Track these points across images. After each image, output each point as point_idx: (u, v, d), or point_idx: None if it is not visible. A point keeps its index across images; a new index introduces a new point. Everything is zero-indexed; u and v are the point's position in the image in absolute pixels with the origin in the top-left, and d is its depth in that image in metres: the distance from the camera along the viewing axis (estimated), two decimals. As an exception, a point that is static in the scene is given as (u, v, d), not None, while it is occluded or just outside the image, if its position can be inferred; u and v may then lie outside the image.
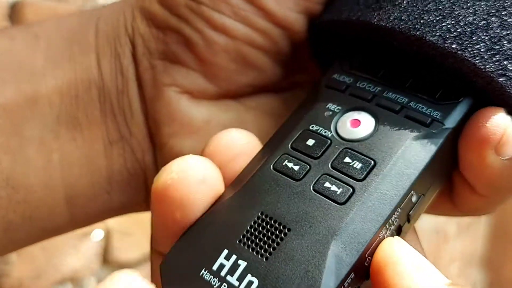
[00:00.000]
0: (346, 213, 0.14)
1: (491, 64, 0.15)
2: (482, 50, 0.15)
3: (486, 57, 0.15)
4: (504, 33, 0.15)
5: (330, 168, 0.15)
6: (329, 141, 0.15)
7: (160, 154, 0.18)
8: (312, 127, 0.15)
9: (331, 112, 0.16)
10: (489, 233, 1.89)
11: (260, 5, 0.16)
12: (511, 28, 0.15)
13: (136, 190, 0.19)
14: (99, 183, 0.18)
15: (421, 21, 0.15)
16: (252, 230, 0.14)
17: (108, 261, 0.50)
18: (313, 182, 0.14)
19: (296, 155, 0.15)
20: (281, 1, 0.16)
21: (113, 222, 0.49)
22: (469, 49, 0.15)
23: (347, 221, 0.13)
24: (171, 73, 0.17)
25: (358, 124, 0.15)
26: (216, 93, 0.18)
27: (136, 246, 0.52)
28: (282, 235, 0.14)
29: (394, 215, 0.14)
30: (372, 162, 0.14)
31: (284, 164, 0.15)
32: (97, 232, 0.48)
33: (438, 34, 0.15)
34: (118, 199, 0.19)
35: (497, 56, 0.15)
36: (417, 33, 0.15)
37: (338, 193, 0.14)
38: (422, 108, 0.15)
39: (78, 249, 0.47)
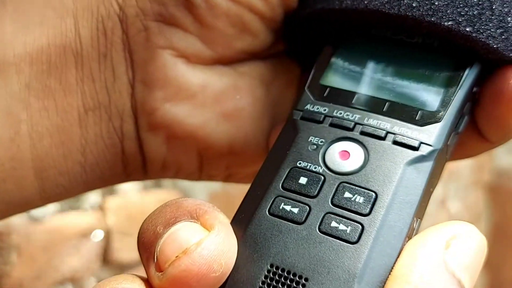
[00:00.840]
0: (361, 252, 0.13)
1: (501, 44, 0.15)
2: (492, 30, 0.15)
3: (496, 36, 0.15)
4: (506, 10, 0.15)
5: (331, 206, 0.14)
6: (322, 177, 0.15)
7: (148, 120, 0.17)
8: (300, 163, 0.15)
9: (315, 146, 0.15)
10: (489, 234, 1.89)
11: None
12: (510, 4, 0.15)
13: (112, 162, 0.18)
14: (71, 154, 0.17)
15: (432, 6, 0.15)
16: (266, 286, 0.13)
17: (108, 262, 0.50)
18: (318, 224, 0.14)
19: (291, 196, 0.14)
20: None
21: (113, 223, 0.49)
22: (482, 31, 0.15)
23: (365, 260, 0.13)
24: (167, 35, 0.17)
25: (347, 156, 0.15)
26: (212, 58, 0.17)
27: (135, 247, 0.52)
28: (301, 286, 0.13)
29: (404, 245, 0.14)
30: (374, 194, 0.14)
31: (281, 207, 0.14)
32: (97, 233, 0.48)
33: (452, 18, 0.15)
34: (93, 172, 0.18)
35: (505, 34, 0.15)
36: (432, 19, 0.15)
37: (347, 232, 0.13)
38: (407, 132, 0.15)
39: (78, 249, 0.47)
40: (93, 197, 0.48)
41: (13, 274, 0.42)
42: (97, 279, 0.49)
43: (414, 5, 0.15)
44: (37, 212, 0.43)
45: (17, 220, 0.42)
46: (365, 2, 0.16)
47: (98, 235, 0.48)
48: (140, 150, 0.18)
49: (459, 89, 0.16)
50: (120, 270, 0.52)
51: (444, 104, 0.15)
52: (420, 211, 0.15)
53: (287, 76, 0.19)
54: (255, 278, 0.13)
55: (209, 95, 0.17)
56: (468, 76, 0.16)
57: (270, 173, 0.15)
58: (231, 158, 0.18)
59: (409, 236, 0.14)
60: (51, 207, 0.45)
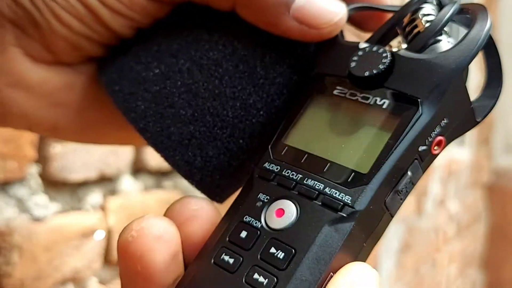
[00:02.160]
0: None
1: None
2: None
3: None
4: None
5: (259, 259, 0.16)
6: (258, 232, 0.16)
7: None
8: (246, 218, 0.17)
9: (261, 202, 0.17)
10: (488, 234, 1.89)
11: (97, 15, 0.20)
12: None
13: None
14: None
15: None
16: None
17: (109, 261, 0.51)
18: (245, 274, 0.16)
19: (231, 247, 0.16)
20: (115, 17, 0.20)
21: (114, 223, 0.50)
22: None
23: None
24: (17, 37, 0.20)
25: (282, 214, 0.16)
26: (54, 61, 0.20)
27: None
28: None
29: None
30: (293, 251, 0.16)
31: (221, 258, 0.16)
32: (98, 233, 0.48)
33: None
34: None
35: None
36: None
37: (264, 284, 0.15)
38: (336, 193, 0.16)
39: (80, 249, 0.47)
40: (94, 197, 0.49)
41: (15, 274, 0.42)
42: (99, 279, 0.50)
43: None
44: (38, 212, 0.44)
45: (19, 220, 0.42)
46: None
47: (99, 235, 0.48)
48: None
49: (394, 150, 0.16)
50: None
51: (376, 166, 0.16)
52: (339, 266, 0.16)
53: None
54: None
55: (45, 89, 0.21)
56: (406, 139, 0.17)
57: (223, 225, 0.17)
58: (54, 131, 0.22)
59: None
60: (53, 208, 0.45)
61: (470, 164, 1.68)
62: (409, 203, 1.21)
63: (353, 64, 0.18)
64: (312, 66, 0.20)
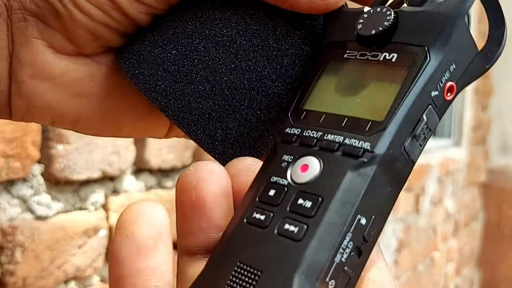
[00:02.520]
0: (303, 248, 0.16)
1: None
2: None
3: None
4: None
5: (288, 211, 0.17)
6: (285, 188, 0.17)
7: (17, 88, 0.21)
8: (273, 179, 0.18)
9: (286, 163, 0.18)
10: (484, 233, 1.90)
11: (115, 2, 0.21)
12: None
13: None
14: None
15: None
16: (234, 278, 0.16)
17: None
18: (277, 227, 0.16)
19: (262, 206, 0.17)
20: (132, 3, 0.21)
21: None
22: None
23: (305, 255, 0.15)
24: (40, 29, 0.21)
25: (306, 168, 0.17)
26: (75, 52, 0.21)
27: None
28: (257, 278, 0.16)
29: (345, 240, 0.16)
30: (320, 199, 0.16)
31: (253, 216, 0.17)
32: (100, 232, 0.49)
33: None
34: None
35: None
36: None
37: (295, 232, 0.16)
38: (355, 142, 0.17)
39: (82, 248, 0.47)
40: (96, 196, 0.49)
41: (18, 272, 0.42)
42: (101, 277, 0.50)
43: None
44: (41, 211, 0.44)
45: (22, 219, 0.43)
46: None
47: (101, 234, 0.49)
48: (9, 105, 0.22)
49: (407, 96, 0.17)
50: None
51: (391, 113, 0.17)
52: (368, 209, 0.17)
53: None
54: (228, 273, 0.16)
55: (67, 80, 0.22)
56: (417, 85, 0.17)
57: (253, 189, 0.18)
58: (77, 124, 0.23)
59: (354, 232, 0.16)
60: (56, 207, 0.45)
61: (466, 163, 1.68)
62: (407, 202, 1.22)
63: (359, 26, 0.19)
64: (322, 37, 0.21)
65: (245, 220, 0.17)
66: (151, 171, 0.54)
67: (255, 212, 0.17)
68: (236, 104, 0.20)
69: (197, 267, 0.17)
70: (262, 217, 0.17)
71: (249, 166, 0.18)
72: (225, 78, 0.20)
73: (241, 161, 0.18)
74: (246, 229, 0.17)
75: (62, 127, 0.23)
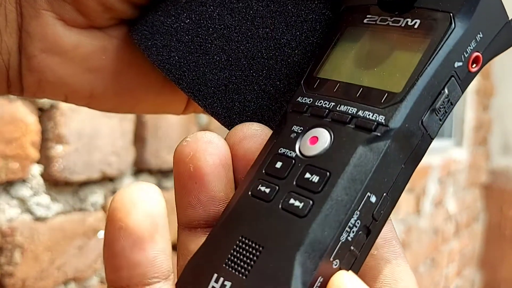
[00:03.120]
0: (307, 225, 0.15)
1: None
2: None
3: None
4: None
5: (294, 185, 0.16)
6: (293, 161, 0.16)
7: (28, 63, 0.21)
8: (280, 150, 0.17)
9: (295, 134, 0.17)
10: (486, 234, 1.90)
11: None
12: None
13: None
14: None
15: None
16: (235, 253, 0.15)
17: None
18: (281, 201, 0.16)
19: (268, 178, 0.16)
20: None
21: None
22: None
23: (309, 232, 0.15)
24: (50, 1, 0.20)
25: (316, 141, 0.16)
26: (86, 24, 0.21)
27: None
28: (258, 253, 0.15)
29: (353, 218, 0.15)
30: (328, 174, 0.15)
31: (258, 189, 0.16)
32: (99, 233, 0.49)
33: None
34: None
35: None
36: None
37: (300, 207, 0.15)
38: (369, 115, 0.16)
39: (82, 249, 0.47)
40: (96, 197, 0.49)
41: (17, 273, 0.42)
42: (100, 278, 0.50)
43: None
44: (40, 212, 0.44)
45: (21, 220, 0.42)
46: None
47: (100, 235, 0.49)
48: (20, 81, 0.21)
49: (428, 66, 0.16)
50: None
51: (409, 84, 0.16)
52: (378, 186, 0.16)
53: None
54: (229, 246, 0.16)
55: (79, 53, 0.21)
56: (439, 54, 0.16)
57: (260, 160, 0.17)
58: (91, 100, 0.22)
59: (362, 210, 0.15)
60: (55, 208, 0.45)
61: (468, 164, 1.68)
62: (408, 203, 1.21)
63: None
64: (341, 0, 0.20)
65: (249, 193, 0.16)
66: (150, 172, 0.54)
67: (260, 185, 0.16)
68: (254, 74, 0.19)
69: (198, 241, 0.17)
70: (267, 190, 0.16)
71: (255, 132, 0.18)
72: (241, 47, 0.19)
73: (247, 126, 0.18)
74: (250, 202, 0.16)
75: (76, 104, 0.22)
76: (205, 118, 0.58)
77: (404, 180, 0.16)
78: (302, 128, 0.17)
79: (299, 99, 0.18)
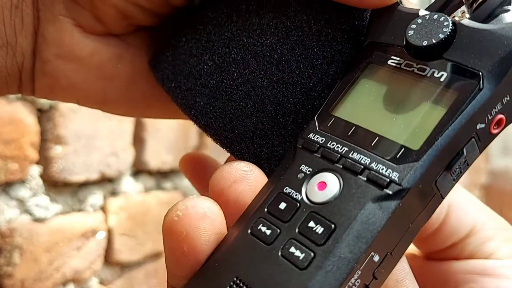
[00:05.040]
0: (306, 279, 0.14)
1: None
2: None
3: None
4: None
5: (297, 232, 0.15)
6: (298, 204, 0.16)
7: (42, 67, 0.20)
8: (286, 189, 0.16)
9: (303, 174, 0.16)
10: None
11: None
12: None
13: (11, 85, 0.21)
14: None
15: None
16: None
17: (109, 262, 0.51)
18: (281, 247, 0.15)
19: (269, 219, 0.16)
20: None
21: (114, 224, 0.50)
22: None
23: (307, 286, 0.14)
24: (68, 6, 0.20)
25: (324, 187, 0.16)
26: (103, 31, 0.20)
27: (137, 247, 0.52)
28: None
29: (353, 277, 0.14)
30: (333, 226, 0.15)
31: (258, 228, 0.16)
32: (99, 234, 0.49)
33: None
34: None
35: None
36: None
37: (300, 258, 0.14)
38: (382, 169, 0.15)
39: (80, 250, 0.47)
40: (95, 198, 0.49)
41: (16, 274, 0.42)
42: (99, 279, 0.50)
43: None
44: (39, 213, 0.44)
45: (20, 221, 0.42)
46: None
47: (99, 236, 0.49)
48: (32, 83, 0.21)
49: (450, 126, 0.15)
50: (121, 270, 0.52)
51: (428, 142, 0.15)
52: (383, 246, 0.15)
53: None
54: (221, 286, 0.15)
55: (94, 61, 0.20)
56: (463, 115, 0.15)
57: (263, 195, 0.16)
58: (103, 105, 0.22)
59: (364, 269, 0.15)
60: (54, 209, 0.45)
61: (467, 165, 1.68)
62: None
63: (411, 33, 0.17)
64: (365, 34, 0.19)
65: (249, 231, 0.16)
66: (150, 172, 0.54)
67: (261, 224, 0.16)
68: (281, 120, 0.18)
69: None
70: (268, 232, 0.15)
71: (245, 173, 0.17)
72: (267, 93, 0.18)
73: (235, 168, 0.17)
74: (248, 241, 0.15)
75: (88, 107, 0.22)
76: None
77: (409, 239, 0.16)
78: (310, 169, 0.16)
79: (310, 135, 0.17)
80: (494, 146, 1.91)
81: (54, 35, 0.20)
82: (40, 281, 0.44)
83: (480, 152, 0.17)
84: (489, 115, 0.16)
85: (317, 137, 0.17)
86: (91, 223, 0.48)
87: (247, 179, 0.17)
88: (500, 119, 0.16)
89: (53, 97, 0.21)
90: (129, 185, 0.52)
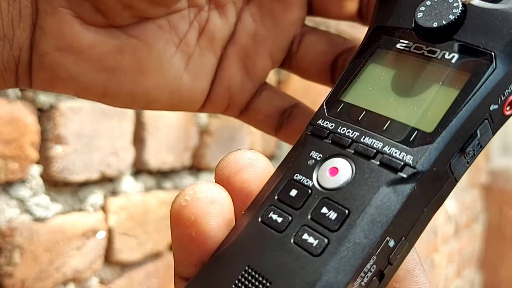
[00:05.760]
0: (321, 265, 0.14)
1: None
2: None
3: None
4: None
5: (309, 219, 0.15)
6: (309, 191, 0.15)
7: (40, 60, 0.20)
8: (296, 176, 0.16)
9: (313, 161, 0.16)
10: (485, 234, 1.90)
11: None
12: None
13: (8, 78, 0.21)
14: None
15: None
16: (239, 284, 0.14)
17: (110, 262, 0.51)
18: (294, 234, 0.15)
19: (280, 206, 0.15)
20: None
21: (115, 223, 0.50)
22: None
23: (322, 274, 0.14)
24: None
25: (336, 172, 0.15)
26: (104, 23, 0.20)
27: (137, 247, 0.52)
28: None
29: (369, 263, 0.14)
30: (347, 212, 0.14)
31: (269, 216, 0.15)
32: (99, 233, 0.49)
33: None
34: None
35: None
36: None
37: (314, 245, 0.14)
38: (396, 152, 0.15)
39: (81, 250, 0.47)
40: (95, 198, 0.49)
41: (16, 274, 0.42)
42: (99, 279, 0.50)
43: None
44: (40, 212, 0.44)
45: (20, 221, 0.42)
46: None
47: (99, 235, 0.49)
48: (29, 76, 0.20)
49: (463, 107, 0.15)
50: (122, 270, 0.52)
51: (442, 124, 0.15)
52: (398, 230, 0.15)
53: (171, 35, 0.22)
54: (234, 276, 0.14)
55: (95, 53, 0.20)
56: (476, 96, 0.15)
57: (272, 183, 0.16)
58: (104, 97, 0.21)
59: (379, 254, 0.14)
60: (54, 208, 0.45)
61: (467, 164, 1.68)
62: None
63: (420, 15, 0.16)
64: (372, 19, 0.18)
65: (259, 219, 0.15)
66: (150, 172, 0.54)
67: (272, 212, 0.15)
68: None
69: None
70: (279, 220, 0.15)
71: (251, 161, 0.16)
72: None
73: (241, 155, 0.16)
74: (260, 229, 0.15)
75: (88, 99, 0.22)
76: (204, 118, 0.58)
77: (423, 224, 0.16)
78: (321, 155, 0.16)
79: (320, 122, 0.17)
80: (494, 145, 1.91)
81: (53, 27, 0.19)
82: (40, 280, 0.44)
83: (493, 134, 0.16)
84: (502, 96, 0.16)
85: (327, 123, 0.16)
86: (91, 223, 0.48)
87: (253, 166, 0.16)
88: None
89: (52, 89, 0.21)
90: (130, 184, 0.52)
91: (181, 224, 0.15)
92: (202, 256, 0.15)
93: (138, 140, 0.52)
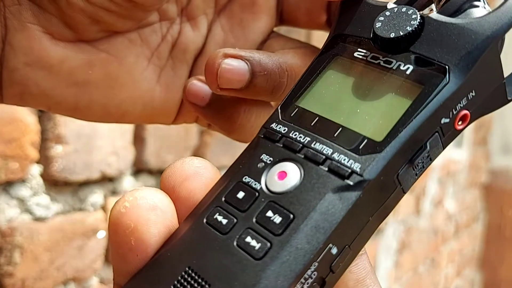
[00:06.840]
0: (261, 269, 0.14)
1: None
2: None
3: None
4: None
5: (254, 222, 0.15)
6: (257, 194, 0.15)
7: (10, 75, 0.20)
8: (245, 178, 0.16)
9: (263, 164, 0.16)
10: (485, 234, 1.90)
11: None
12: None
13: None
14: None
15: None
16: (179, 284, 0.14)
17: (110, 261, 0.51)
18: (237, 237, 0.14)
19: (227, 208, 0.15)
20: None
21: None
22: None
23: (261, 278, 0.14)
24: (35, 14, 0.19)
25: (284, 176, 0.15)
26: (73, 38, 0.20)
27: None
28: None
29: (310, 269, 0.14)
30: (291, 216, 0.14)
31: (214, 217, 0.15)
32: (99, 233, 0.49)
33: None
34: None
35: None
36: None
37: (256, 248, 0.14)
38: (344, 160, 0.15)
39: (81, 249, 0.47)
40: (95, 197, 0.49)
41: (16, 273, 0.42)
42: (100, 278, 0.50)
43: None
44: (40, 212, 0.44)
45: (20, 220, 0.42)
46: None
47: (100, 235, 0.49)
48: (0, 91, 0.20)
49: (414, 118, 0.15)
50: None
51: (392, 134, 0.15)
52: (342, 238, 0.15)
53: (142, 48, 0.22)
54: (174, 276, 0.14)
55: (64, 67, 0.20)
56: (428, 108, 0.15)
57: (221, 184, 0.16)
58: (76, 111, 0.21)
59: (321, 261, 0.14)
60: (54, 208, 0.45)
61: (467, 164, 1.68)
62: (408, 203, 1.21)
63: (378, 25, 0.17)
64: (333, 27, 0.18)
65: (204, 220, 0.15)
66: (150, 172, 0.54)
67: (217, 213, 0.15)
68: None
69: None
70: (224, 221, 0.15)
71: (198, 169, 0.16)
72: None
73: (188, 164, 0.16)
74: (203, 230, 0.15)
75: (60, 114, 0.22)
76: (205, 118, 0.58)
77: (368, 233, 0.15)
78: (271, 158, 0.16)
79: (273, 125, 0.17)
80: (494, 145, 1.91)
81: (22, 43, 0.19)
82: (40, 280, 0.44)
83: (444, 148, 0.16)
84: (454, 110, 0.16)
85: (280, 127, 0.17)
86: (91, 222, 0.48)
87: (200, 176, 0.16)
88: (465, 115, 0.16)
89: (24, 104, 0.21)
90: (130, 184, 0.52)
91: (119, 232, 0.15)
92: (142, 265, 0.15)
93: (138, 139, 0.52)
